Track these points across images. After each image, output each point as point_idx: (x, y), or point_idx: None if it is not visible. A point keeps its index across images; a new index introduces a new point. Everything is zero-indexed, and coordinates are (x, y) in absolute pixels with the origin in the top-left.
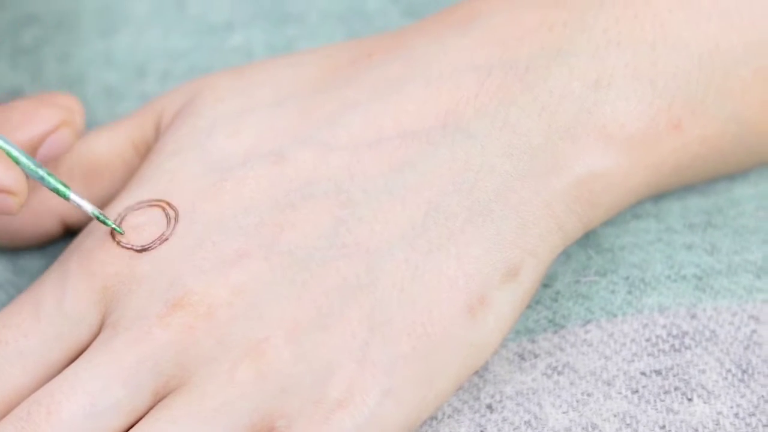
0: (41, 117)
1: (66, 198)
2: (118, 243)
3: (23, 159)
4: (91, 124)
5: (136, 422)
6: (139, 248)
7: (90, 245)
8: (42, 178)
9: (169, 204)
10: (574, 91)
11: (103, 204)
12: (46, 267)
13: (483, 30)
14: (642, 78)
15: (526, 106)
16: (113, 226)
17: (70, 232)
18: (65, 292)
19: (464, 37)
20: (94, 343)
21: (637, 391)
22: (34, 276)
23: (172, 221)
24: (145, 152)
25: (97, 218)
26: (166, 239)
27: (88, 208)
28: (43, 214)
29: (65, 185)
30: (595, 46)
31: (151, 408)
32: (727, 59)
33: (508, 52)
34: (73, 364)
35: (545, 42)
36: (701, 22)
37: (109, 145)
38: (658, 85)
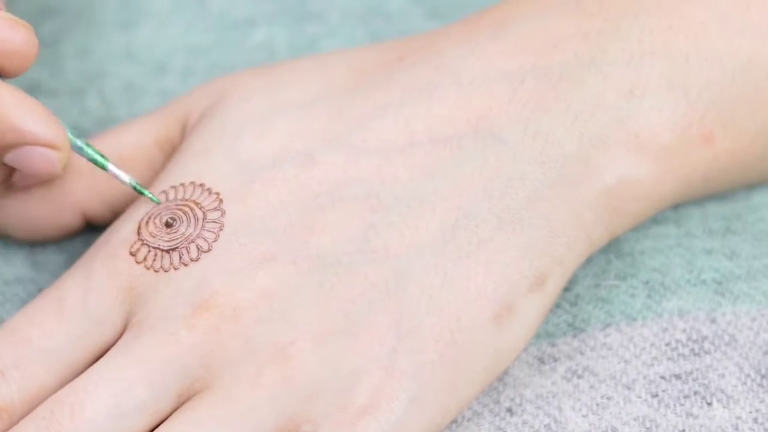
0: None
1: (105, 168)
2: (145, 242)
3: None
4: (111, 121)
5: (160, 424)
6: (165, 248)
7: (115, 244)
8: (80, 149)
9: (197, 204)
10: (607, 100)
11: (127, 201)
12: (66, 262)
13: (516, 36)
14: (676, 88)
15: (559, 114)
16: (150, 195)
17: (90, 227)
18: (90, 291)
19: (496, 42)
20: (119, 343)
21: (656, 395)
22: (53, 271)
23: (200, 222)
24: (169, 151)
25: (134, 188)
26: (193, 240)
27: (125, 178)
28: (63, 206)
29: (103, 156)
30: (630, 55)
31: (175, 410)
32: (759, 73)
33: (541, 59)
34: (97, 364)
35: (579, 50)
36: (734, 36)
37: (134, 142)
38: (691, 97)
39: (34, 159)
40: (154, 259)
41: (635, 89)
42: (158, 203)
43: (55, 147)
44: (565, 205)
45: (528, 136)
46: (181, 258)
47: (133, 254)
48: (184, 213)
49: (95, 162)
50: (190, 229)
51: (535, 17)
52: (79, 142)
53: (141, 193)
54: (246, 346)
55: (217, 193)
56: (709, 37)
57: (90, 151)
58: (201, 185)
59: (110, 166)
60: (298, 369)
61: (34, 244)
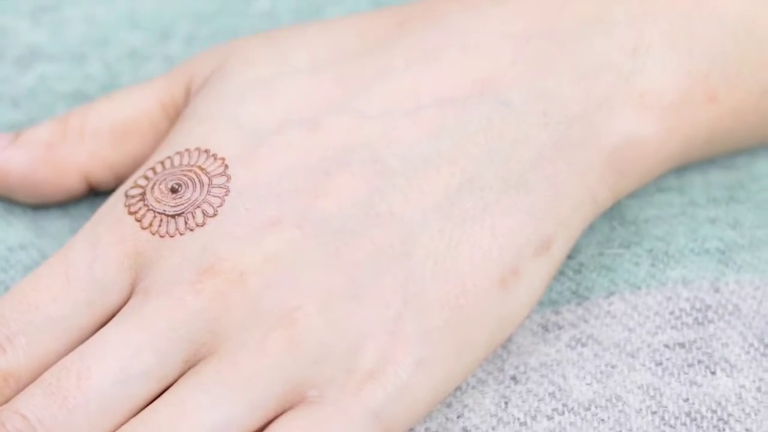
0: None
1: None
2: (150, 208)
3: None
4: (114, 87)
5: (167, 389)
6: (171, 213)
7: (121, 209)
8: None
9: (202, 169)
10: (612, 60)
11: (130, 167)
12: (69, 227)
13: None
14: (679, 47)
15: (563, 74)
16: None
17: (93, 191)
18: (96, 257)
19: (501, 6)
20: (125, 309)
21: (660, 364)
22: (57, 237)
23: (206, 187)
24: (174, 116)
25: None
26: (199, 205)
27: None
28: (65, 169)
29: None
30: (633, 15)
31: (181, 375)
32: (762, 33)
33: (545, 21)
34: (103, 330)
35: (583, 11)
36: None
37: (138, 105)
38: (695, 56)
39: None
40: (160, 225)
41: (639, 48)
42: None
43: None
44: (570, 166)
45: (532, 98)
46: (186, 223)
47: (138, 220)
48: (190, 178)
49: None
50: (196, 195)
51: None
52: None
53: None
54: (252, 311)
55: (223, 159)
56: None
57: None
58: (206, 151)
59: None
60: (304, 334)
61: (37, 209)
